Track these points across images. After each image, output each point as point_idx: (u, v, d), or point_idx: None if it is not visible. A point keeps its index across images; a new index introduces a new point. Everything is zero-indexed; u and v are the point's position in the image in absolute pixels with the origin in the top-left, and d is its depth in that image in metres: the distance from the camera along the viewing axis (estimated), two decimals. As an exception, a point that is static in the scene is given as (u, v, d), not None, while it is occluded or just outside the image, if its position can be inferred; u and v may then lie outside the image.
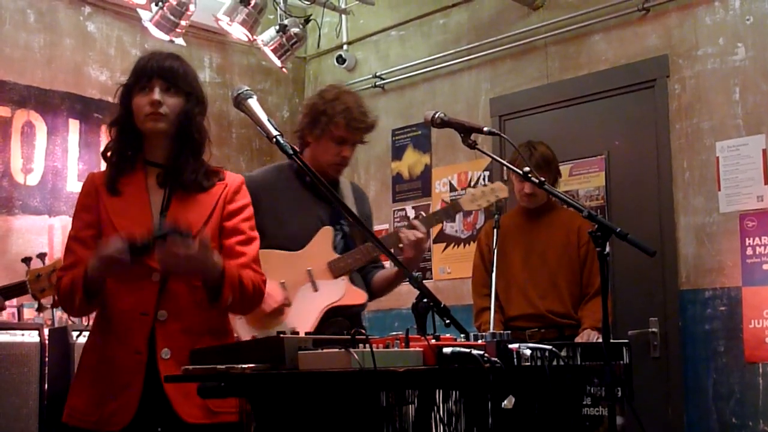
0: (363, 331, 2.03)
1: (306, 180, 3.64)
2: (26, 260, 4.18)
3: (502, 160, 3.35)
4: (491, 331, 3.37)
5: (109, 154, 2.81)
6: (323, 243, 3.60)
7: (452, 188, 6.20)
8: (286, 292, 3.52)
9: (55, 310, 5.04)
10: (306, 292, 3.55)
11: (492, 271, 4.27)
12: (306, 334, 3.31)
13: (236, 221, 2.79)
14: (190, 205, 2.73)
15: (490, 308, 4.51)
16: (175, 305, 2.66)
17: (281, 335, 1.93)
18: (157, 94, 2.70)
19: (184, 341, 2.60)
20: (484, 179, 5.97)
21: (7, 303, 3.98)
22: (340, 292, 3.56)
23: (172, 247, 2.43)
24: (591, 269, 4.46)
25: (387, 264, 3.97)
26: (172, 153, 2.76)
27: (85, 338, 4.50)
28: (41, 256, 4.10)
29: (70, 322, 5.10)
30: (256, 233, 2.85)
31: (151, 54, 2.86)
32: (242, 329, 3.45)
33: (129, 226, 2.62)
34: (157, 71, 2.74)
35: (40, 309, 4.12)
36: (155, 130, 2.72)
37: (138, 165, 2.77)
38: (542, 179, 2.91)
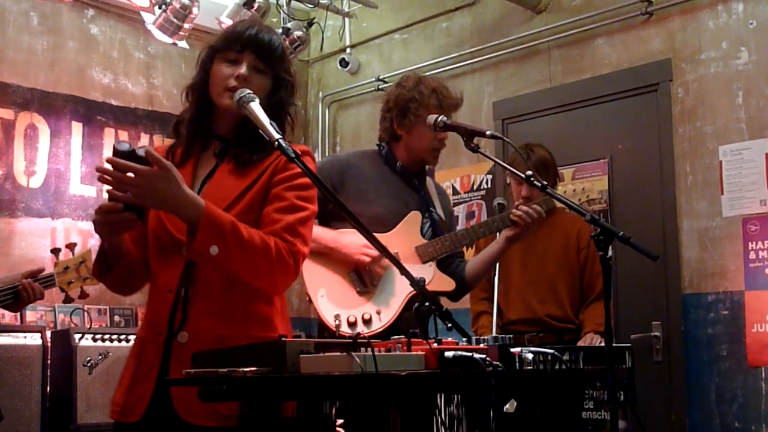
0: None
1: (396, 166, 3.62)
2: (55, 251, 4.18)
3: (505, 164, 3.35)
4: (493, 335, 3.36)
5: (180, 125, 2.56)
6: (411, 227, 3.54)
7: (455, 192, 6.20)
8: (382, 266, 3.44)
9: (86, 313, 5.00)
10: (393, 274, 3.46)
11: (494, 274, 4.27)
12: (392, 317, 3.38)
13: (280, 188, 2.45)
14: (235, 175, 2.45)
15: (487, 312, 4.51)
16: (201, 282, 2.39)
17: (283, 339, 1.93)
18: (244, 68, 2.45)
19: (208, 325, 2.35)
20: (487, 183, 5.97)
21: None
22: (428, 277, 3.49)
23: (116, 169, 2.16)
24: (592, 273, 4.46)
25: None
26: (238, 128, 2.50)
27: (87, 341, 4.53)
28: (70, 246, 4.07)
29: (72, 325, 5.12)
30: (305, 204, 2.46)
31: (247, 22, 2.61)
32: (325, 308, 3.39)
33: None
34: (251, 43, 2.47)
35: (67, 300, 4.07)
36: (230, 109, 2.42)
37: (200, 137, 2.53)
38: (544, 183, 2.91)
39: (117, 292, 2.65)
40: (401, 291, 3.43)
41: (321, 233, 3.38)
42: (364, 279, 3.47)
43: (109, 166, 2.17)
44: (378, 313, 3.41)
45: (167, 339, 2.38)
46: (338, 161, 3.65)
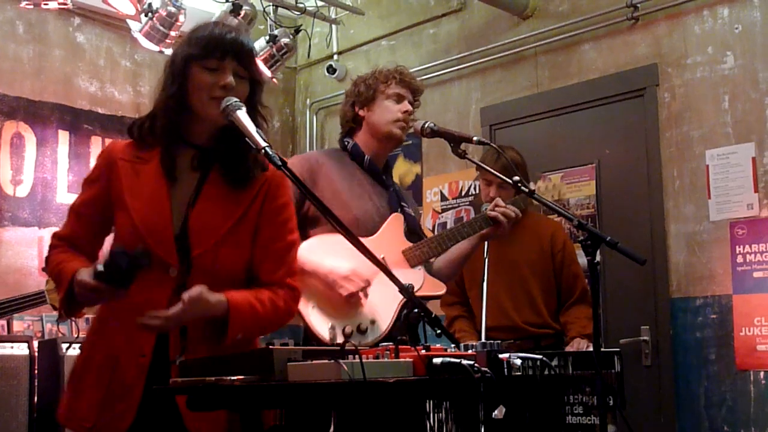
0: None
1: (364, 162, 3.55)
2: (46, 269, 4.15)
3: (492, 170, 3.35)
4: (482, 340, 3.34)
5: (145, 125, 2.49)
6: (395, 230, 3.47)
7: (443, 198, 6.20)
8: (366, 277, 3.28)
9: (74, 322, 4.98)
10: (384, 281, 3.39)
11: (483, 277, 4.17)
12: (387, 327, 3.30)
13: (276, 226, 2.50)
14: (222, 199, 2.43)
15: (462, 316, 4.47)
16: None
17: (270, 347, 1.92)
18: (230, 78, 2.41)
19: (203, 350, 2.32)
20: (475, 188, 5.97)
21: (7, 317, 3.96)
22: (419, 281, 3.41)
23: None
24: (569, 276, 4.42)
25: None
26: (218, 137, 2.48)
27: (75, 350, 4.50)
28: None
29: (60, 335, 5.09)
30: (295, 235, 2.56)
31: (223, 26, 2.53)
32: (317, 320, 3.27)
33: (143, 210, 2.39)
34: (232, 49, 2.43)
35: (61, 319, 4.05)
36: (216, 118, 2.40)
37: (170, 143, 2.47)
38: (533, 189, 2.92)
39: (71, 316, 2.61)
40: (394, 298, 3.32)
41: (303, 261, 3.11)
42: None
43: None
44: (373, 322, 3.32)
45: (153, 362, 2.37)
46: (306, 161, 3.52)
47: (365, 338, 3.25)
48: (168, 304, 2.33)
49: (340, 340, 3.19)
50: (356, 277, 3.25)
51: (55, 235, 2.55)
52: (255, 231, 2.48)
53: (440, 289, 3.50)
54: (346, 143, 3.62)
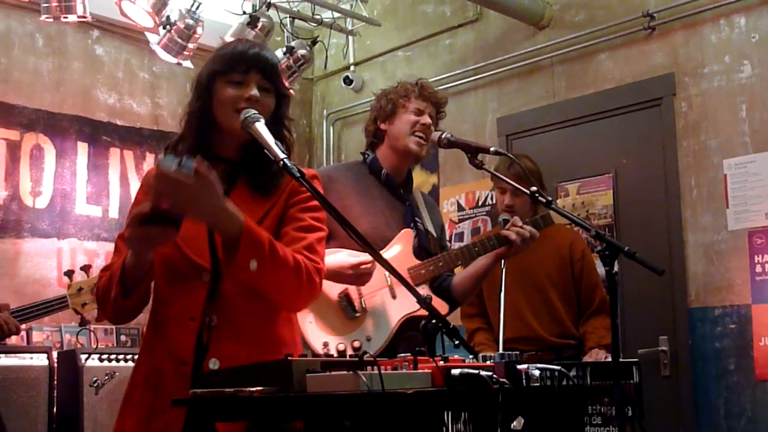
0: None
1: (381, 175, 3.55)
2: (68, 273, 4.18)
3: (509, 180, 3.34)
4: (500, 351, 3.33)
5: (179, 147, 2.50)
6: (403, 246, 3.45)
7: (460, 208, 6.20)
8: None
9: (92, 333, 4.99)
10: (384, 298, 3.37)
11: (501, 288, 4.15)
12: (383, 344, 3.28)
13: (295, 210, 2.49)
14: (251, 201, 2.43)
15: (482, 328, 4.45)
16: (227, 308, 2.38)
17: (289, 358, 1.93)
18: (255, 90, 2.43)
19: (237, 350, 2.33)
20: (491, 198, 5.97)
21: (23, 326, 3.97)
22: None
23: (162, 175, 2.08)
24: (588, 285, 4.42)
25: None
26: (245, 150, 2.48)
27: (94, 361, 4.51)
28: (85, 268, 4.07)
29: (79, 345, 5.12)
30: (321, 226, 2.52)
31: (246, 41, 2.58)
32: (313, 335, 3.29)
33: (183, 225, 2.29)
34: (256, 63, 2.46)
35: (83, 323, 4.07)
36: (241, 133, 2.39)
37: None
38: (549, 198, 2.91)
39: (112, 321, 2.53)
40: (394, 315, 3.34)
41: None
42: (353, 304, 3.37)
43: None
44: (368, 339, 3.32)
45: (195, 368, 2.34)
46: (320, 177, 3.57)
47: None
48: (203, 310, 2.35)
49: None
50: (363, 258, 3.23)
51: (103, 269, 2.50)
52: (280, 219, 2.48)
53: (443, 309, 3.42)
54: (366, 156, 3.64)
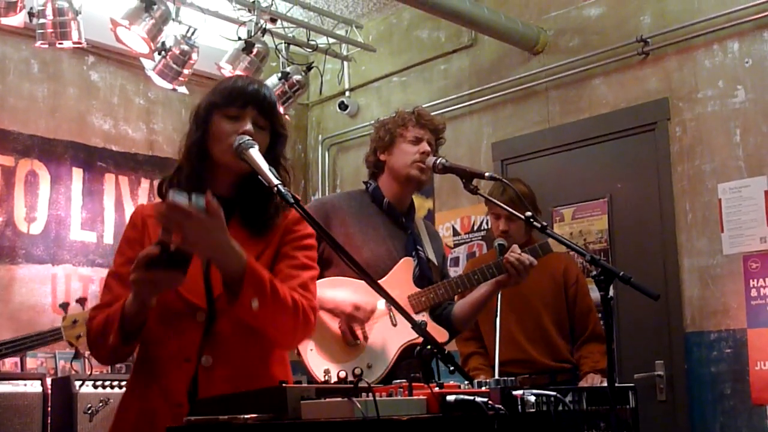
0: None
1: (383, 204, 3.56)
2: (64, 306, 4.17)
3: (504, 205, 3.35)
4: (495, 377, 3.32)
5: (174, 179, 2.47)
6: (403, 274, 3.45)
7: (455, 232, 6.20)
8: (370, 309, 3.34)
9: (87, 360, 4.97)
10: (384, 326, 3.38)
11: (496, 312, 4.13)
12: (384, 372, 3.29)
13: (289, 248, 2.48)
14: (243, 240, 2.35)
15: (477, 353, 4.45)
16: (222, 349, 2.36)
17: (283, 384, 1.92)
18: (249, 125, 2.42)
19: (232, 391, 2.22)
20: (487, 223, 5.97)
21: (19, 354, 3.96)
22: None
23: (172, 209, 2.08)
24: (582, 310, 4.42)
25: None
26: (240, 188, 2.48)
27: (89, 388, 4.49)
28: (80, 301, 4.06)
29: (73, 372, 5.09)
30: (314, 264, 2.53)
31: (247, 78, 2.60)
32: (315, 363, 3.29)
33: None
34: (253, 99, 2.46)
35: (77, 356, 4.05)
36: (234, 165, 2.40)
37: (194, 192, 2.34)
38: (544, 224, 2.92)
39: (103, 362, 2.51)
40: (393, 343, 3.34)
41: None
42: (354, 332, 3.36)
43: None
44: (369, 366, 3.32)
45: (190, 411, 2.26)
46: (322, 205, 3.57)
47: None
48: (198, 350, 2.33)
49: None
50: (362, 308, 3.28)
51: (95, 308, 2.46)
52: (275, 257, 2.46)
53: (443, 337, 3.44)
54: (368, 185, 3.65)
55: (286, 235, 2.49)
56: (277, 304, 2.27)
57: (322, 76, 6.97)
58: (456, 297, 3.66)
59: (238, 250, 2.21)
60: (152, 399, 2.36)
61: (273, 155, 2.49)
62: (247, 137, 2.35)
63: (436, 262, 3.65)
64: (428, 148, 3.54)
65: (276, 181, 2.22)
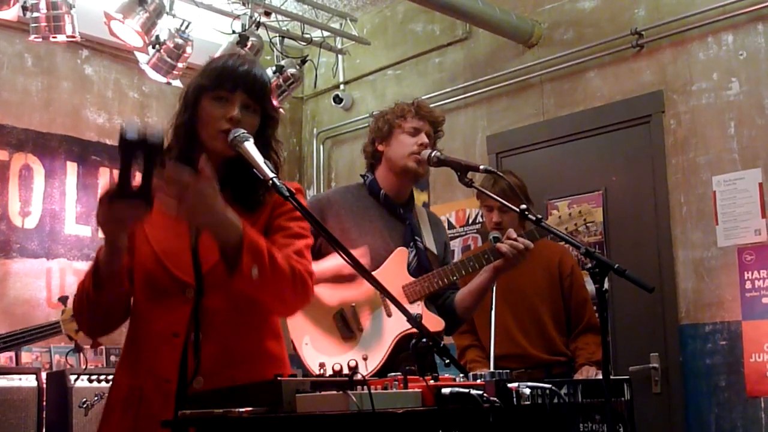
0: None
1: (380, 196, 3.55)
2: (63, 299, 4.16)
3: (498, 198, 3.34)
4: (491, 369, 3.32)
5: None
6: (397, 265, 3.43)
7: (450, 226, 6.20)
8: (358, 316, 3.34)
9: (82, 354, 4.97)
10: (379, 317, 3.38)
11: (491, 305, 4.12)
12: (380, 363, 3.28)
13: (282, 219, 2.44)
14: None
15: (473, 345, 4.44)
16: (211, 325, 2.32)
17: (278, 378, 1.92)
18: (236, 111, 2.37)
19: (222, 368, 2.28)
20: (482, 216, 5.96)
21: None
22: None
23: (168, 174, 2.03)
24: (578, 301, 4.41)
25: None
26: (227, 167, 2.41)
27: (84, 382, 4.48)
28: None
29: (68, 366, 5.09)
30: (307, 233, 2.48)
31: (238, 57, 2.50)
32: (310, 357, 3.31)
33: (160, 235, 2.34)
34: (242, 81, 2.39)
35: (77, 349, 4.05)
36: (223, 152, 2.37)
37: None
38: (538, 216, 2.92)
39: (95, 330, 2.48)
40: (389, 334, 3.34)
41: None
42: (349, 324, 3.37)
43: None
44: (365, 358, 3.32)
45: (179, 386, 2.29)
46: (318, 201, 3.56)
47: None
48: (187, 327, 2.30)
49: None
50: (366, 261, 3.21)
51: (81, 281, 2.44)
52: (266, 231, 2.43)
53: (439, 326, 3.41)
54: (365, 178, 3.64)
55: (277, 208, 2.45)
56: (276, 272, 2.23)
57: (316, 70, 6.96)
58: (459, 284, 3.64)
59: (233, 217, 2.18)
60: (141, 375, 2.34)
61: (263, 139, 2.45)
62: (242, 131, 2.31)
63: (435, 252, 3.62)
64: (426, 140, 3.52)
65: (271, 175, 2.20)
